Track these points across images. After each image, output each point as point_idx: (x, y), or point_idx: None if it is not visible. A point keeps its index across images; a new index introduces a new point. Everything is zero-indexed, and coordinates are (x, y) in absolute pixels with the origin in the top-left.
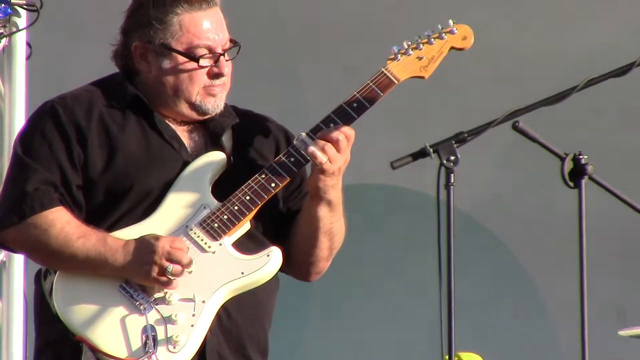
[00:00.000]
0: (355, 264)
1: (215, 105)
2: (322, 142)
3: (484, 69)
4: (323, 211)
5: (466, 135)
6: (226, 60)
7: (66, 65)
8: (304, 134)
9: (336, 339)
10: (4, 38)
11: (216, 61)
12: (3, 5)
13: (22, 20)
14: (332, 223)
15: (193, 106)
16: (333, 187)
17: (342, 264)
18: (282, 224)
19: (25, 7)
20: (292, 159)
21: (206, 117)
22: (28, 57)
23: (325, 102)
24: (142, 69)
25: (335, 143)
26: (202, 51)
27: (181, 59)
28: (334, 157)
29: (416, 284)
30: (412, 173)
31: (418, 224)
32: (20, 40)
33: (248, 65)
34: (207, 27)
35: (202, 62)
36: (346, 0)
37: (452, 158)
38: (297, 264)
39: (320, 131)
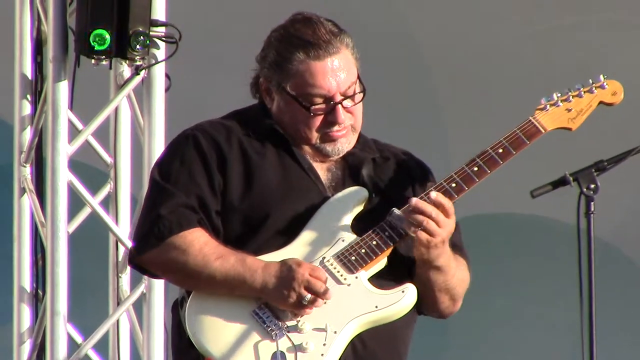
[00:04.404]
0: (493, 292)
1: (336, 148)
2: (421, 219)
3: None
4: (434, 275)
5: (606, 163)
6: (352, 105)
7: (205, 97)
8: (396, 210)
9: None
10: (143, 70)
11: (331, 110)
12: (142, 37)
13: (161, 52)
14: (446, 281)
15: (314, 148)
16: (439, 256)
17: (480, 291)
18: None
19: (163, 39)
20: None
21: (332, 158)
22: (167, 89)
23: (467, 144)
24: (268, 103)
25: (435, 218)
26: (317, 100)
27: (296, 103)
28: (436, 232)
29: (556, 312)
30: (550, 201)
31: (557, 253)
32: (159, 72)
33: (392, 106)
34: (324, 76)
35: (314, 110)
36: (492, 47)
37: (592, 186)
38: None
39: (418, 204)
